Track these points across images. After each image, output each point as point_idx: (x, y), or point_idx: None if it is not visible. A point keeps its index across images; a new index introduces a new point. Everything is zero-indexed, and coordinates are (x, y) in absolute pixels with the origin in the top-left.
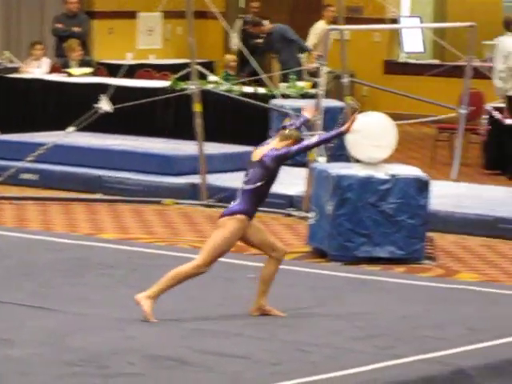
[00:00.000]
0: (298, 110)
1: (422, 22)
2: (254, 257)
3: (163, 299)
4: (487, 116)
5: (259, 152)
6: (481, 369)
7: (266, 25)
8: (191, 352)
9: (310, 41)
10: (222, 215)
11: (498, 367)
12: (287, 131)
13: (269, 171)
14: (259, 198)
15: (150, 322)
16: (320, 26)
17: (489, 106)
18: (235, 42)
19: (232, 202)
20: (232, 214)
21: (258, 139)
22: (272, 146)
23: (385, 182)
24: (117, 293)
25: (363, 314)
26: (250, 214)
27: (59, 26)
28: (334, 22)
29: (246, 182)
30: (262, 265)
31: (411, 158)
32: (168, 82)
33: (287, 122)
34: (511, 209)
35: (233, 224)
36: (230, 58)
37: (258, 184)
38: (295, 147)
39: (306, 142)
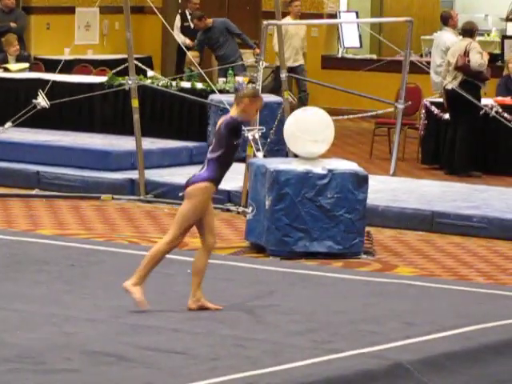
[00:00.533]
0: None
1: (358, 17)
2: (192, 252)
3: (100, 295)
4: (425, 111)
5: (220, 121)
6: (418, 363)
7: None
8: (129, 348)
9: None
10: (189, 184)
11: (435, 361)
12: (240, 92)
13: (225, 139)
14: (223, 166)
15: (87, 319)
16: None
17: (426, 100)
18: (182, 37)
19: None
20: (199, 181)
21: (197, 134)
22: (230, 113)
23: (322, 176)
24: (54, 289)
25: (301, 308)
26: (216, 181)
27: None
28: (301, 17)
29: (210, 151)
30: None
31: (349, 152)
32: (106, 77)
33: (238, 84)
34: (448, 203)
35: (200, 192)
36: (194, 54)
37: (219, 153)
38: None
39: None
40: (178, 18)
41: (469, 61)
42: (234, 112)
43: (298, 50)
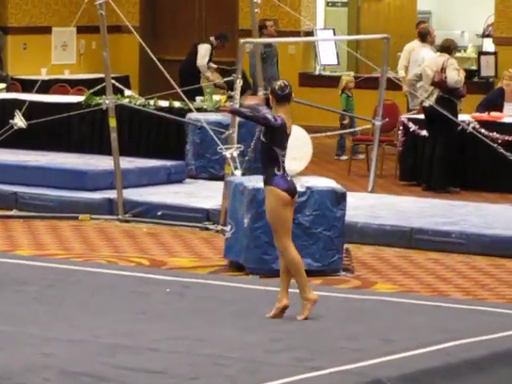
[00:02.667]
0: (214, 124)
1: (335, 34)
2: (170, 271)
3: (79, 315)
4: (402, 127)
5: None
6: (397, 379)
7: None
8: (108, 368)
9: None
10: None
11: (413, 377)
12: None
13: None
14: None
15: (65, 339)
16: None
17: (403, 117)
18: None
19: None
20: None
21: (175, 153)
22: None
23: (301, 194)
24: (32, 309)
25: (280, 326)
26: None
27: None
28: (278, 34)
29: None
30: (178, 279)
31: (327, 170)
32: (83, 97)
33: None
34: (426, 220)
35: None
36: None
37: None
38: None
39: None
40: (207, 48)
41: (445, 77)
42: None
43: None
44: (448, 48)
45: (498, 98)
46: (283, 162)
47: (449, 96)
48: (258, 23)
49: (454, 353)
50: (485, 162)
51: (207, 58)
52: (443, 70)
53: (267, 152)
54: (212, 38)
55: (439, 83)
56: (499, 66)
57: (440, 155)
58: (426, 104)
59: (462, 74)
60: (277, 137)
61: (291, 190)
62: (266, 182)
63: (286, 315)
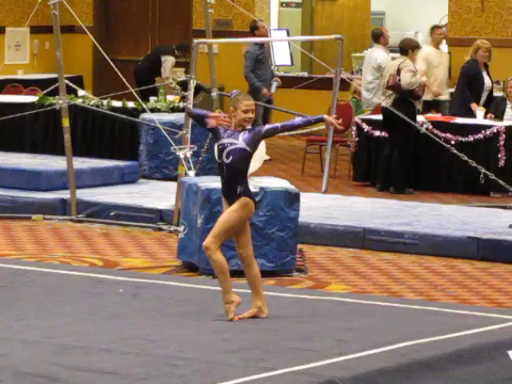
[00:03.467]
0: (167, 124)
1: (289, 34)
2: (123, 272)
3: (31, 316)
4: (356, 128)
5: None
6: (350, 380)
7: None
8: (60, 368)
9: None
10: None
11: (366, 378)
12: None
13: None
14: None
15: (18, 339)
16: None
17: (357, 117)
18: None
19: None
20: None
21: (128, 153)
22: None
23: (254, 194)
24: None
25: (233, 326)
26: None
27: None
28: (231, 35)
29: None
30: (131, 280)
31: (281, 170)
32: (36, 97)
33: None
34: (379, 220)
35: None
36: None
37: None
38: (278, 124)
39: (290, 121)
40: (172, 61)
41: (399, 79)
42: None
43: (443, 81)
44: (402, 49)
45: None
46: None
47: (405, 98)
48: (211, 24)
49: (406, 353)
50: (438, 162)
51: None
52: (398, 72)
53: (247, 160)
54: (174, 49)
55: (393, 86)
56: (452, 66)
57: (398, 156)
58: (383, 105)
59: (420, 75)
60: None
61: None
62: (242, 192)
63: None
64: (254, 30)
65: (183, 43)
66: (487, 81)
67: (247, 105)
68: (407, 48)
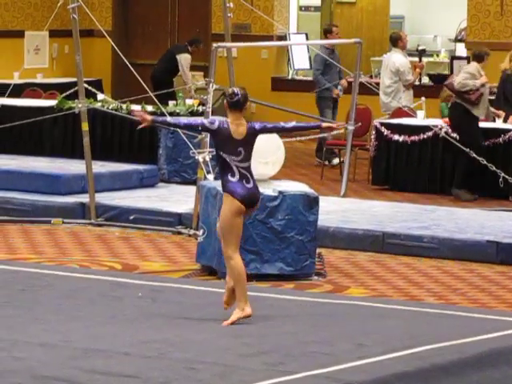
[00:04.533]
0: None
1: (308, 38)
2: (142, 275)
3: (51, 319)
4: (375, 132)
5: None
6: (370, 383)
7: None
8: (80, 372)
9: None
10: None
11: (386, 381)
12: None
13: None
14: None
15: (37, 343)
16: None
17: (376, 121)
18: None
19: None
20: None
21: (147, 157)
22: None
23: (273, 198)
24: (3, 313)
25: (252, 330)
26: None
27: None
28: (251, 39)
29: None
30: (150, 284)
31: (300, 174)
32: (55, 100)
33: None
34: (398, 224)
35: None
36: None
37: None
38: (271, 124)
39: (282, 123)
40: (188, 58)
41: (454, 80)
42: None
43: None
44: (478, 56)
45: None
46: (241, 167)
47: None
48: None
49: (425, 357)
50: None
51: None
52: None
53: (217, 158)
54: (187, 46)
55: (447, 85)
56: None
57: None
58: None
59: (480, 81)
60: (219, 141)
61: (247, 199)
62: (222, 188)
63: (257, 319)
64: (327, 33)
65: (194, 37)
66: None
67: None
68: (483, 54)
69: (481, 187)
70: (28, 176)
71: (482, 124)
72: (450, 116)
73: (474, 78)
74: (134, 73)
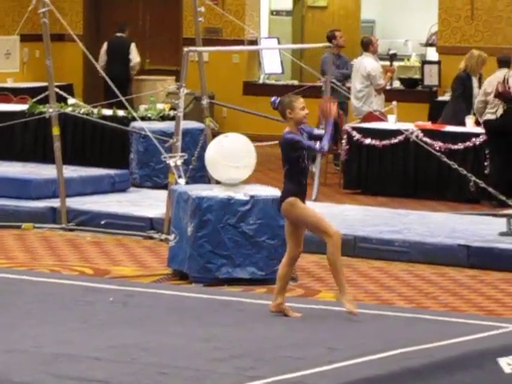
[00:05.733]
0: (158, 132)
1: (279, 43)
2: (114, 280)
3: (21, 324)
4: (346, 136)
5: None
6: None
7: None
8: (50, 377)
9: None
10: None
11: None
12: (280, 108)
13: (284, 155)
14: (294, 178)
15: (7, 349)
16: None
17: (348, 125)
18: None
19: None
20: (283, 200)
21: (119, 162)
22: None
23: (245, 203)
24: None
25: (224, 335)
26: (295, 193)
27: None
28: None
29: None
30: (122, 288)
31: (272, 178)
32: (26, 105)
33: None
34: (370, 228)
35: (290, 208)
36: None
37: (286, 167)
38: (306, 143)
39: (317, 146)
40: (135, 45)
41: (509, 87)
42: (287, 127)
43: None
44: (504, 61)
45: None
46: None
47: None
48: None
49: (396, 361)
50: (429, 170)
51: None
52: (505, 81)
53: (296, 168)
54: (122, 35)
55: (503, 93)
56: (442, 75)
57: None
58: (490, 118)
59: None
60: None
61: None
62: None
63: (229, 323)
64: (331, 38)
65: (121, 24)
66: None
67: (302, 102)
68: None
69: (452, 191)
70: None
71: (452, 128)
72: (497, 124)
73: None
74: (105, 77)
